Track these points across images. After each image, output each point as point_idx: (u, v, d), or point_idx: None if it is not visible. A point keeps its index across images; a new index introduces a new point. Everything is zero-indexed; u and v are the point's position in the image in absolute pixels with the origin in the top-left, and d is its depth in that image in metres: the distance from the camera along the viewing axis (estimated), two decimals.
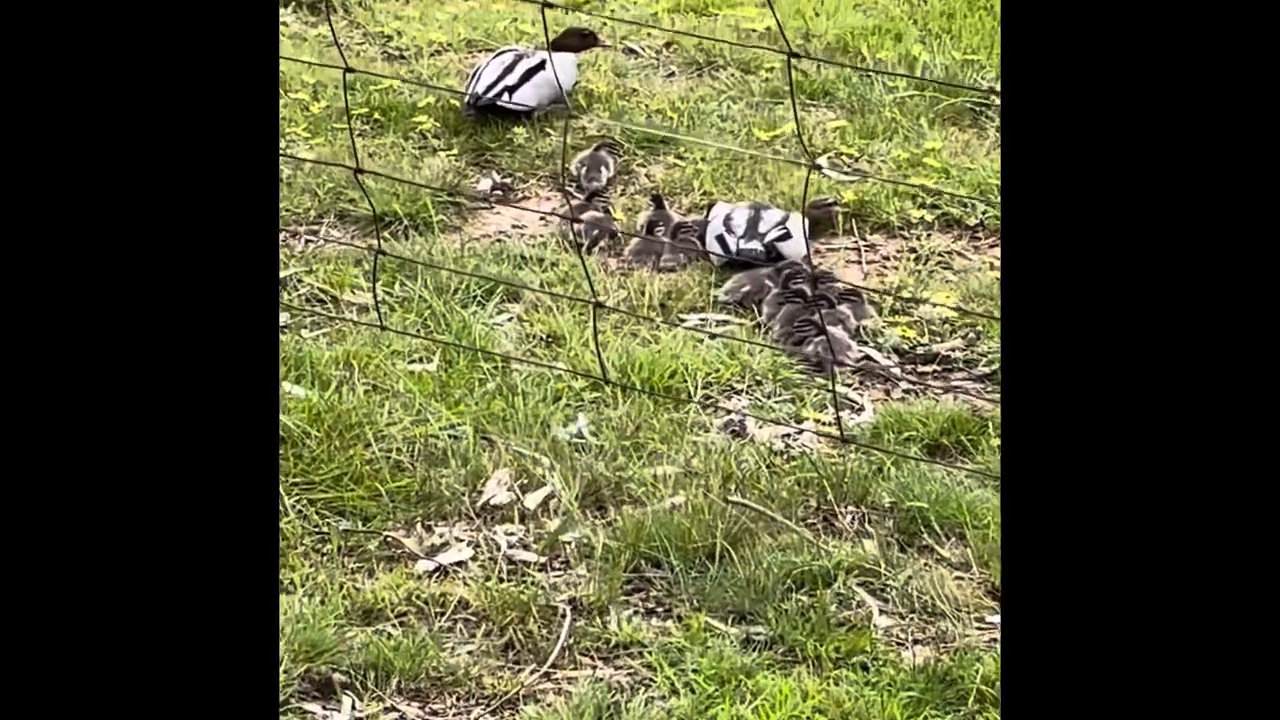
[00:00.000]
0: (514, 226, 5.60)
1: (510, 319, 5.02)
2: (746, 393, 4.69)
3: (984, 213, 5.51)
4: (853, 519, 4.18)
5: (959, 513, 4.12)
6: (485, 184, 5.82)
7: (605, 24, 6.92)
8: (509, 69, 6.10)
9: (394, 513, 4.13)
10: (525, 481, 4.22)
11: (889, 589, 3.92)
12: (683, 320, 5.01)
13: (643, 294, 5.08)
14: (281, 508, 4.09)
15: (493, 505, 4.16)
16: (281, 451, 4.25)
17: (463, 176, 5.81)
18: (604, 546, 3.96)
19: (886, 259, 5.38)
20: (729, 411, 4.61)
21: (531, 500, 4.16)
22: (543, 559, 4.00)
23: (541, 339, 4.89)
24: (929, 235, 5.43)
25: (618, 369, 4.69)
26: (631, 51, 6.71)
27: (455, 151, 5.95)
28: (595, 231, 5.43)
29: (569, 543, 4.02)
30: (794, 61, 6.30)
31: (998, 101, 6.11)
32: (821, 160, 5.85)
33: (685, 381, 4.68)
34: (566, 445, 4.37)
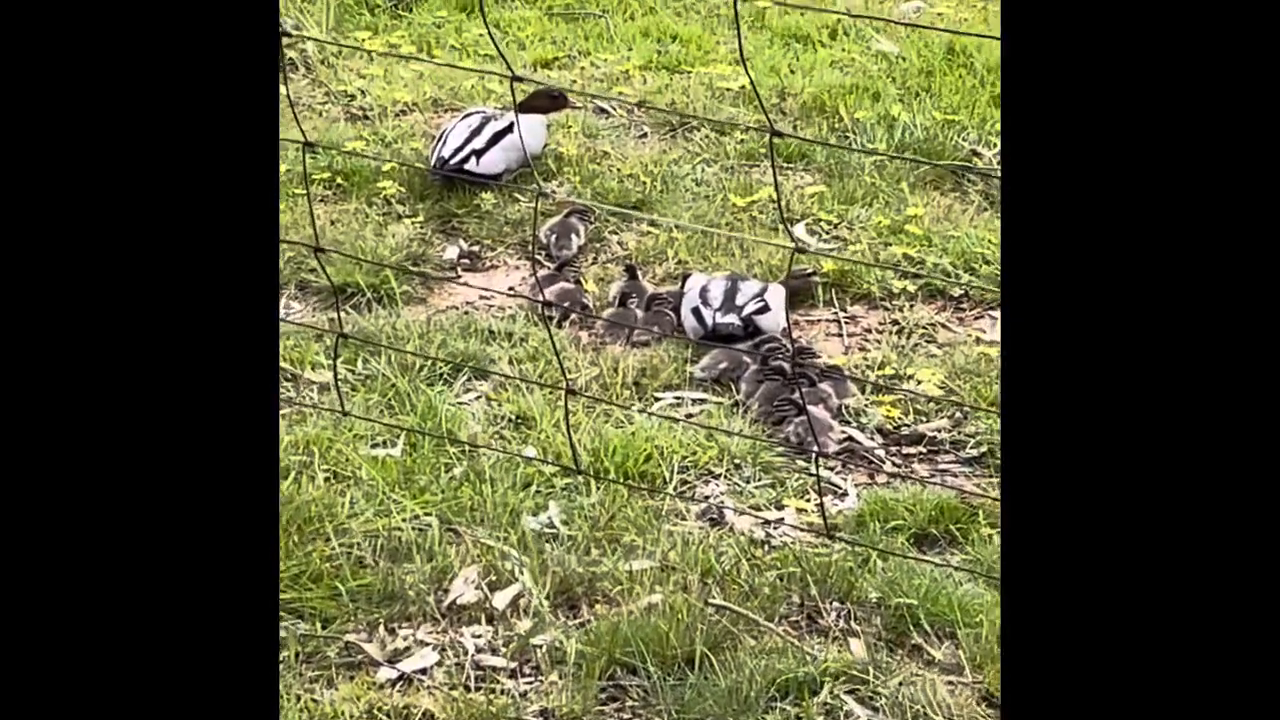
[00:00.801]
0: (481, 297, 5.40)
1: (478, 397, 4.81)
2: (725, 477, 4.49)
3: (968, 283, 5.32)
4: (838, 616, 3.97)
5: (950, 610, 3.91)
6: (451, 252, 5.61)
7: (575, 83, 6.73)
8: (476, 132, 5.91)
9: (355, 614, 3.91)
10: (494, 578, 4.01)
11: (878, 696, 3.70)
12: (658, 399, 4.81)
13: (616, 371, 4.87)
14: None
15: (460, 605, 3.94)
16: None
17: (428, 245, 5.61)
18: (577, 652, 3.74)
19: (868, 331, 5.18)
20: (706, 498, 4.41)
21: (501, 599, 3.95)
22: (512, 664, 3.78)
23: (510, 420, 4.68)
24: (912, 306, 5.24)
25: (590, 452, 4.48)
26: (602, 111, 6.52)
27: (420, 218, 5.74)
28: (566, 304, 5.23)
29: (540, 647, 3.81)
30: (774, 125, 6.12)
31: (980, 164, 5.92)
32: (799, 227, 5.66)
33: (661, 466, 4.48)
34: (536, 537, 4.16)
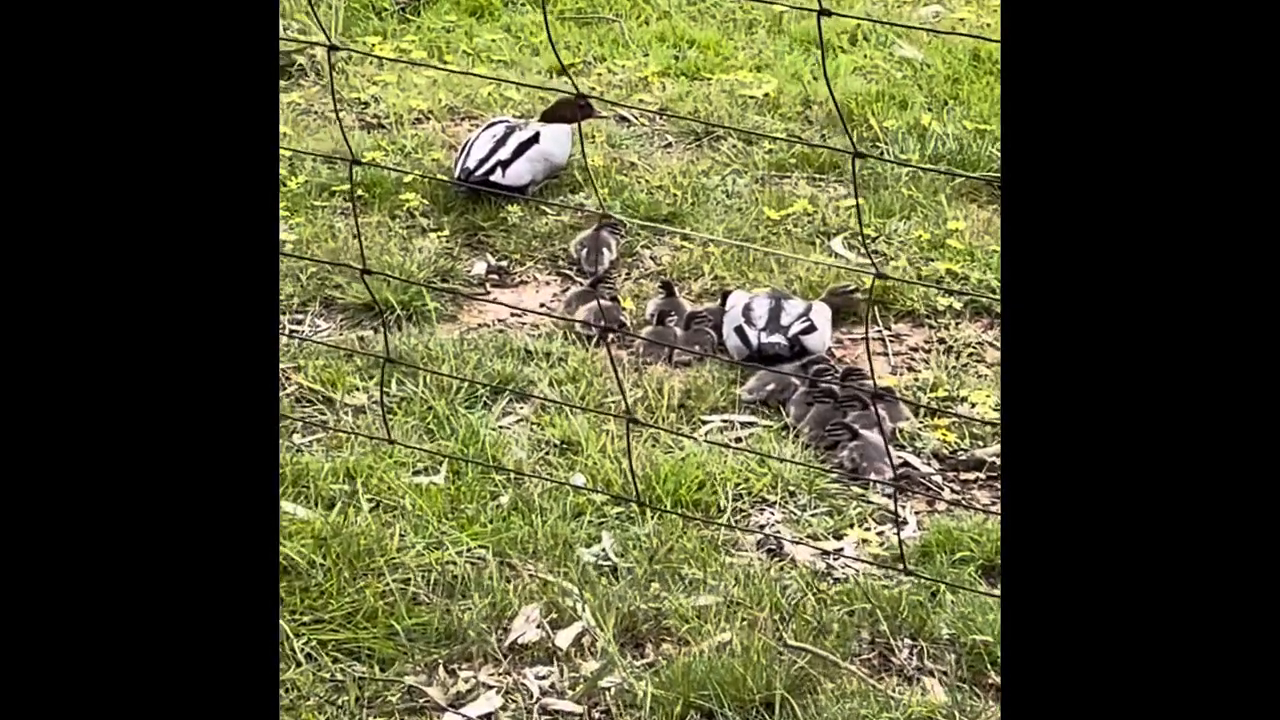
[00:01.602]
0: (513, 314, 5.25)
1: (519, 421, 4.67)
2: (780, 505, 4.35)
3: None
4: (910, 654, 3.84)
5: None
6: (480, 267, 5.47)
7: (594, 89, 6.59)
8: (501, 142, 5.76)
9: (413, 654, 3.77)
10: (555, 616, 3.87)
11: None
12: (705, 423, 4.67)
13: (660, 393, 4.73)
14: (290, 650, 3.73)
15: (521, 644, 3.80)
16: (286, 583, 3.89)
17: (455, 259, 5.46)
18: (651, 696, 3.60)
19: (914, 350, 5.05)
20: (762, 527, 4.27)
21: (563, 638, 3.80)
22: (581, 709, 3.64)
23: (555, 445, 4.53)
24: (958, 324, 5.10)
25: (642, 480, 4.34)
26: (623, 120, 6.37)
27: (446, 232, 5.59)
28: (603, 323, 5.08)
29: (609, 689, 3.67)
30: (800, 134, 5.97)
31: None
32: (837, 241, 5.53)
33: (714, 493, 4.34)
34: (594, 571, 4.02)
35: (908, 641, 3.86)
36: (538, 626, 3.83)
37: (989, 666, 3.77)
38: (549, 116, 5.85)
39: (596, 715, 3.63)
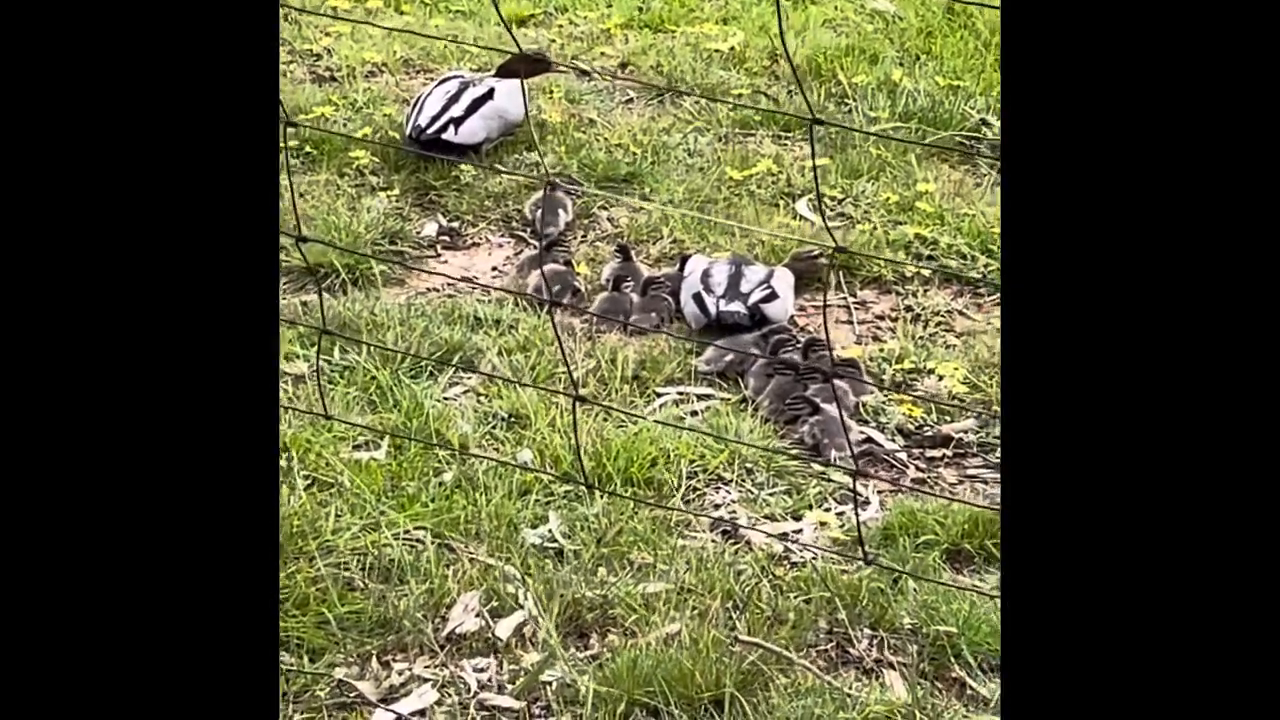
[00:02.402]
0: (463, 278, 5.04)
1: (466, 392, 4.46)
2: (736, 483, 4.15)
3: (986, 265, 4.98)
4: (869, 644, 3.64)
5: (993, 639, 3.59)
6: (430, 228, 5.25)
7: (554, 43, 6.37)
8: (454, 99, 5.54)
9: (345, 644, 3.57)
10: (496, 604, 3.66)
11: None
12: (660, 395, 4.46)
13: (614, 363, 4.52)
14: None
15: (459, 634, 3.60)
16: None
17: (405, 220, 5.24)
18: (593, 693, 3.40)
19: (880, 318, 4.84)
20: (717, 507, 4.07)
21: (504, 628, 3.60)
22: (520, 704, 3.44)
23: (502, 418, 4.32)
24: (925, 291, 4.90)
25: (591, 456, 4.14)
26: (583, 73, 6.15)
27: (396, 191, 5.38)
28: (556, 288, 4.87)
29: (550, 684, 3.47)
30: (766, 91, 5.77)
31: (990, 135, 5.59)
32: (801, 203, 5.32)
33: (668, 471, 4.13)
34: (538, 553, 3.82)
35: (867, 631, 3.67)
36: (477, 615, 3.63)
37: (952, 659, 3.57)
38: (504, 72, 5.64)
39: (536, 711, 3.43)
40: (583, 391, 4.41)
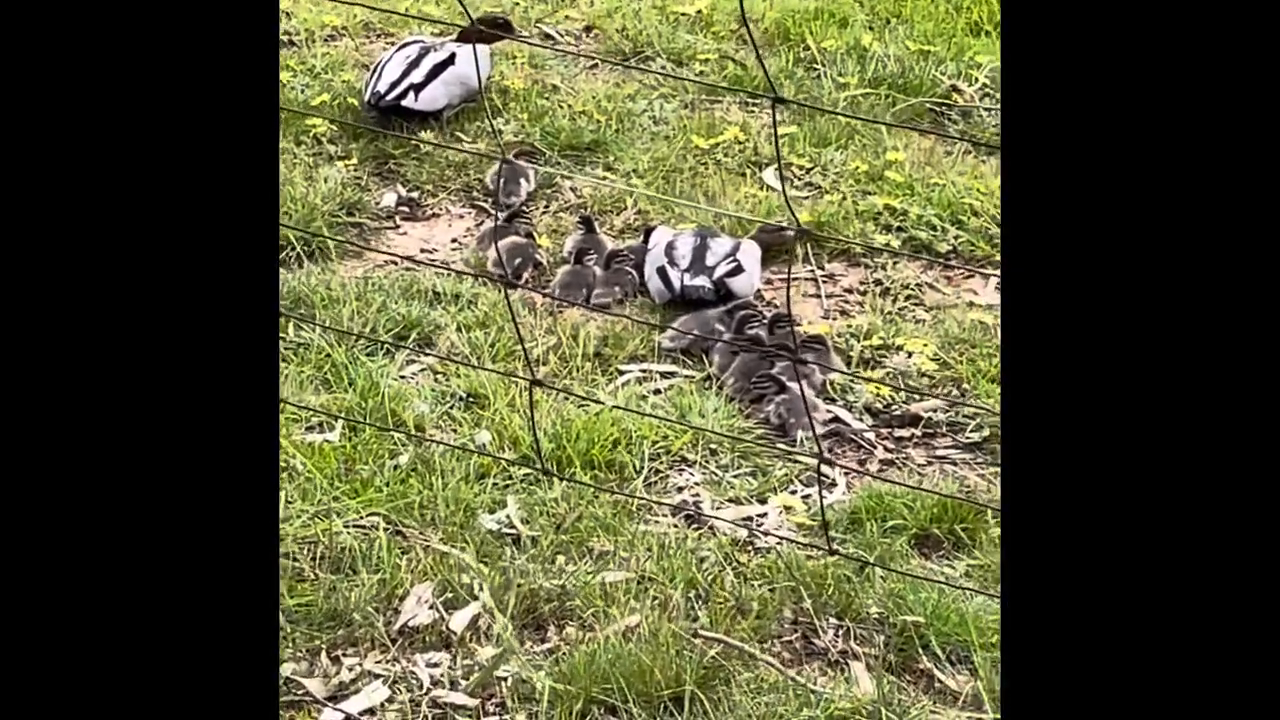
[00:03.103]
0: (422, 250, 4.92)
1: (423, 370, 4.34)
2: (700, 465, 4.04)
3: (956, 238, 4.87)
4: (835, 634, 3.54)
5: (962, 629, 3.49)
6: (389, 198, 5.13)
7: (517, 6, 6.24)
8: (414, 64, 5.41)
9: (294, 639, 3.45)
10: (450, 595, 3.55)
11: None
12: (623, 373, 4.35)
13: (575, 340, 4.41)
14: None
15: (412, 628, 3.49)
16: None
17: (363, 190, 5.12)
18: (550, 690, 3.29)
19: (849, 292, 4.73)
20: (680, 489, 3.97)
21: (458, 621, 3.49)
22: (475, 702, 3.33)
23: (460, 398, 4.21)
24: (895, 264, 4.79)
25: (550, 437, 4.03)
26: (548, 37, 6.02)
27: (354, 160, 5.25)
28: (518, 260, 4.75)
29: (505, 679, 3.36)
30: (734, 56, 5.64)
31: (960, 102, 5.47)
32: (768, 172, 5.20)
33: (629, 453, 4.02)
34: (495, 540, 3.71)
35: (833, 621, 3.56)
36: (430, 608, 3.52)
37: (919, 651, 3.47)
38: (466, 36, 5.50)
39: (491, 709, 3.32)
40: (544, 370, 4.30)
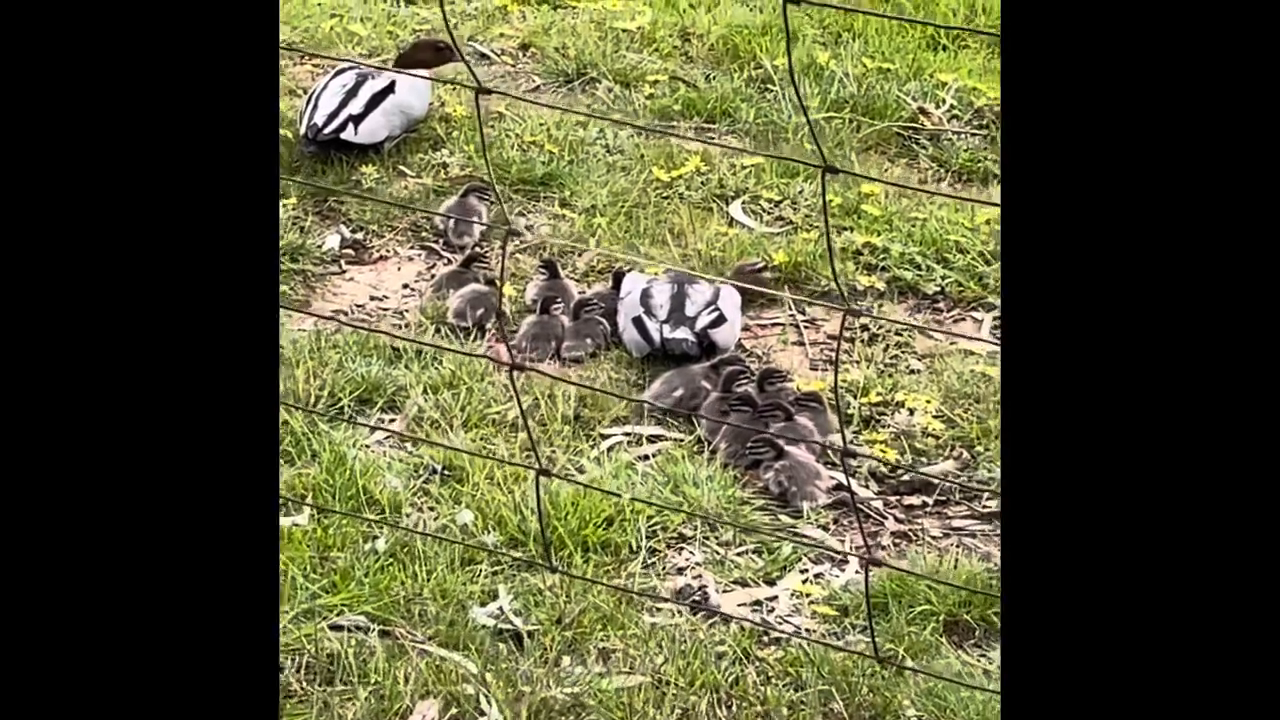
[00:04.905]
0: (372, 299, 4.59)
1: (388, 438, 4.02)
2: (699, 542, 3.75)
3: (943, 278, 4.60)
4: None
5: None
6: (333, 240, 4.80)
7: (449, 22, 5.90)
8: (351, 93, 5.07)
9: None
10: (455, 711, 3.24)
11: None
12: (605, 437, 4.05)
13: (551, 399, 4.10)
14: None
15: None
16: None
17: (304, 233, 4.78)
18: None
19: (833, 338, 4.45)
20: (681, 571, 3.68)
21: None
22: None
23: (435, 471, 3.90)
24: (880, 306, 4.51)
25: (534, 512, 3.72)
26: (483, 56, 5.70)
27: (292, 200, 4.91)
28: (480, 311, 4.44)
29: None
30: (685, 77, 5.34)
31: (929, 125, 5.20)
32: (735, 206, 4.91)
33: (624, 530, 3.73)
34: (493, 639, 3.40)
35: None
36: None
37: None
38: (405, 62, 5.17)
39: None
40: (521, 436, 3.99)
